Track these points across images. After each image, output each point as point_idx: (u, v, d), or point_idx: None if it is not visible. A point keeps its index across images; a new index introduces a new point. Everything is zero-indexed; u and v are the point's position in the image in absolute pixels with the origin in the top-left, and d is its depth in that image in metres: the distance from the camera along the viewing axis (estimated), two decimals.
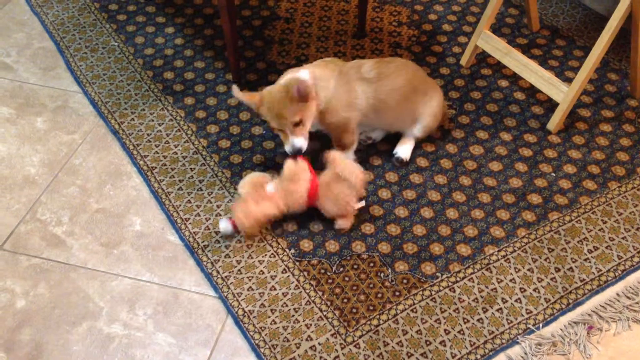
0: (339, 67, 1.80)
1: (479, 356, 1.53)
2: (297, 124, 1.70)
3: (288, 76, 1.76)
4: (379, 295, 1.63)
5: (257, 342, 1.54)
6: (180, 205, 1.81)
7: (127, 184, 1.88)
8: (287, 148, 1.75)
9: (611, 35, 1.83)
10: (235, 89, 1.74)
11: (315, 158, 1.82)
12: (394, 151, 1.92)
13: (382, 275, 1.67)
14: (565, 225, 1.79)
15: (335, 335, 1.56)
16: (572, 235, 1.76)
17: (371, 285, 1.65)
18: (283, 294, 1.63)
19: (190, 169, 1.91)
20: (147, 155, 1.94)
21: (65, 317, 1.59)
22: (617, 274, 1.69)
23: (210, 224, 1.77)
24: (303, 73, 1.74)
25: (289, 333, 1.56)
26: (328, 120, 1.78)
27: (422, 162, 1.93)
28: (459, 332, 1.57)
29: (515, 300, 1.63)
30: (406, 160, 1.91)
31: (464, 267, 1.69)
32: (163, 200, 1.83)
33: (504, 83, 2.18)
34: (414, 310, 1.61)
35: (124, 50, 2.27)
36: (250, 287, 1.64)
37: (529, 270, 1.69)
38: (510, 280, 1.67)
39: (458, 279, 1.67)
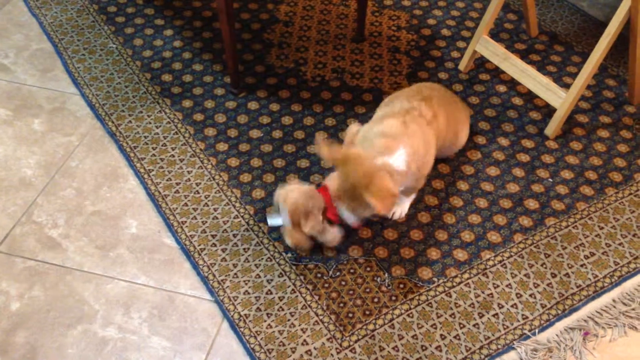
0: (416, 122, 1.68)
1: None
2: (360, 207, 1.60)
3: (381, 160, 1.56)
4: (376, 299, 1.63)
5: (252, 346, 1.54)
6: (176, 208, 1.81)
7: (123, 186, 1.88)
8: (339, 211, 1.64)
9: (609, 41, 1.83)
10: (321, 144, 1.57)
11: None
12: None
13: (378, 279, 1.67)
14: (561, 230, 1.78)
15: (331, 340, 1.55)
16: (568, 240, 1.76)
17: (368, 290, 1.65)
18: (279, 298, 1.62)
19: (187, 171, 1.90)
20: (144, 158, 1.93)
21: (60, 320, 1.58)
22: (613, 280, 1.68)
23: (207, 227, 1.76)
24: (399, 157, 1.58)
25: (285, 337, 1.55)
26: (423, 174, 1.70)
27: None
28: (455, 337, 1.57)
29: (512, 306, 1.62)
30: None
31: (460, 272, 1.69)
32: (159, 203, 1.82)
33: (502, 88, 2.18)
34: (410, 315, 1.60)
35: (122, 52, 2.27)
36: (246, 290, 1.63)
37: (525, 275, 1.69)
38: (507, 286, 1.66)
39: (454, 283, 1.67)
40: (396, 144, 1.60)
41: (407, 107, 1.71)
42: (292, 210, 1.61)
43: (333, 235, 1.66)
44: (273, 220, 1.70)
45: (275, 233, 1.75)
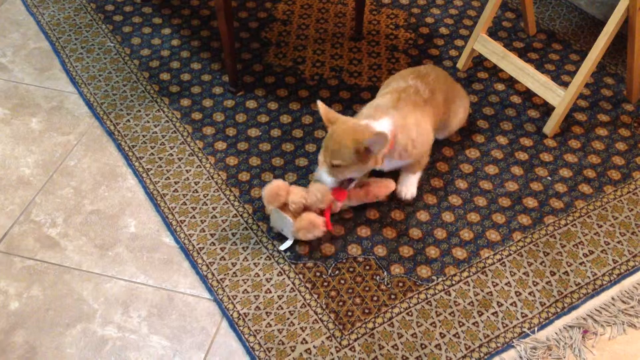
0: (411, 99, 1.72)
1: (474, 359, 1.53)
2: (338, 167, 1.64)
3: (365, 122, 1.64)
4: (375, 298, 1.63)
5: (252, 345, 1.53)
6: (175, 207, 1.80)
7: (122, 185, 1.87)
8: (316, 173, 1.72)
9: (607, 39, 1.83)
10: (320, 103, 1.66)
11: None
12: None
13: (377, 278, 1.67)
14: (560, 229, 1.79)
15: (330, 339, 1.55)
16: (567, 239, 1.76)
17: (367, 289, 1.65)
18: (278, 296, 1.62)
19: (186, 170, 1.90)
20: (143, 157, 1.93)
21: (59, 319, 1.58)
22: (612, 278, 1.69)
23: (206, 226, 1.76)
24: (384, 124, 1.64)
25: (284, 336, 1.55)
26: (419, 153, 1.73)
27: None
28: (454, 335, 1.57)
29: (511, 304, 1.63)
30: None
31: (459, 270, 1.69)
32: (158, 202, 1.82)
33: (500, 86, 2.18)
34: (410, 313, 1.60)
35: (120, 51, 2.26)
36: (245, 289, 1.63)
37: (524, 273, 1.69)
38: (506, 284, 1.67)
39: (454, 282, 1.67)
40: (382, 114, 1.68)
41: (404, 86, 1.77)
42: (272, 193, 1.66)
43: (320, 187, 1.67)
44: (286, 244, 1.72)
45: (273, 232, 1.75)
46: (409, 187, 1.81)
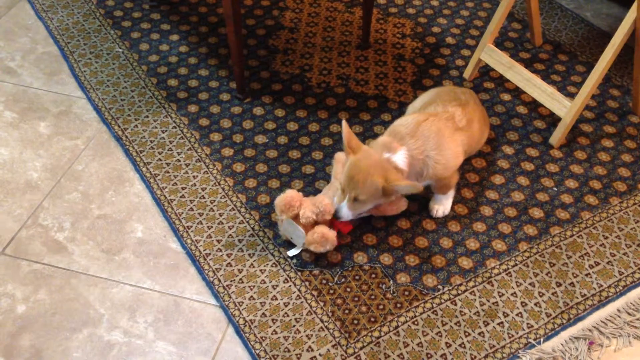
0: (436, 124, 1.72)
1: None
2: (357, 200, 1.65)
3: (387, 156, 1.64)
4: (381, 306, 1.63)
5: (257, 352, 1.54)
6: (182, 213, 1.81)
7: (129, 190, 1.88)
8: (336, 205, 1.69)
9: (615, 51, 1.84)
10: (345, 125, 1.65)
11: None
12: None
13: (383, 286, 1.67)
14: (566, 240, 1.79)
15: (336, 347, 1.55)
16: (573, 250, 1.77)
17: (373, 297, 1.65)
18: (284, 303, 1.62)
19: (193, 176, 1.91)
20: (150, 162, 1.94)
21: (66, 324, 1.58)
22: (618, 290, 1.69)
23: (212, 232, 1.76)
24: (400, 156, 1.65)
25: (290, 343, 1.55)
26: (441, 176, 1.73)
27: None
28: (460, 345, 1.57)
29: (517, 314, 1.63)
30: None
31: (465, 280, 1.69)
32: (165, 207, 1.82)
33: (506, 97, 2.19)
34: (415, 322, 1.60)
35: (129, 57, 2.27)
36: (251, 296, 1.64)
37: (530, 284, 1.69)
38: (512, 294, 1.67)
39: (459, 291, 1.67)
40: (398, 145, 1.67)
41: (439, 111, 1.78)
42: (285, 203, 1.66)
43: (321, 200, 1.69)
44: (294, 250, 1.72)
45: (279, 239, 1.76)
46: (440, 205, 1.82)
